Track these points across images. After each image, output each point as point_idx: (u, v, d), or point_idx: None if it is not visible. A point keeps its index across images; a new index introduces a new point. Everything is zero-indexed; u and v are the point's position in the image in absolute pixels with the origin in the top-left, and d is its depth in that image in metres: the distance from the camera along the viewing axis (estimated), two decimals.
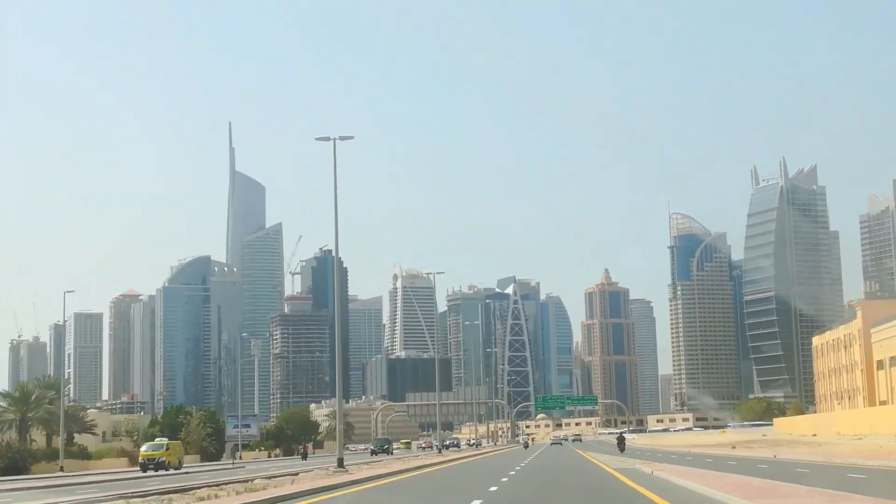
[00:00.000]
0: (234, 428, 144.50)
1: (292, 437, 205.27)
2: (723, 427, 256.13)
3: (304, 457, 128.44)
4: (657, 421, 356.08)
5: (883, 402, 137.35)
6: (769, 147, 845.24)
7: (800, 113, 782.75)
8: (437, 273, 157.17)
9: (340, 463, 55.33)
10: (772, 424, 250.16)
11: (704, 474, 41.07)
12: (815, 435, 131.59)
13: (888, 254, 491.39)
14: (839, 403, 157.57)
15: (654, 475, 41.91)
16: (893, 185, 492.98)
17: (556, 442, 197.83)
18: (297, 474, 52.21)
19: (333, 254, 63.27)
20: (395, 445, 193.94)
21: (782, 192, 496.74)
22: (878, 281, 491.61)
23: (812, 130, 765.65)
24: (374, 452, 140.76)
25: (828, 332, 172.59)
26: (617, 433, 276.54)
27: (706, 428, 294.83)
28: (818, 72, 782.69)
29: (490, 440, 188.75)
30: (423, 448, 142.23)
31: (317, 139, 60.57)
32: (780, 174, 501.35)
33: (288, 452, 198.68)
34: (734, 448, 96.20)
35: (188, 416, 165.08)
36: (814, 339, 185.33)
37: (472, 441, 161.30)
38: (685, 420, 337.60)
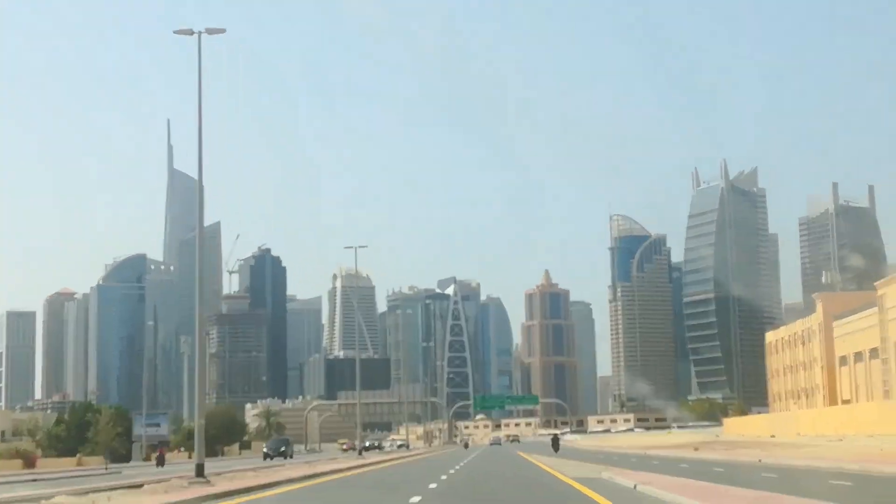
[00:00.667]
0: (143, 427, 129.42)
1: (215, 438, 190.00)
2: (667, 428, 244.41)
3: (160, 462, 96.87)
4: (597, 422, 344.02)
5: (846, 401, 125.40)
6: (711, 149, 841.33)
7: (741, 115, 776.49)
8: (361, 247, 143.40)
9: (200, 470, 40.85)
10: (719, 425, 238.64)
11: (709, 490, 27.32)
12: (773, 436, 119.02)
13: (827, 256, 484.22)
14: (795, 403, 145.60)
15: (640, 490, 28.25)
16: (833, 187, 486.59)
17: (495, 442, 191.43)
18: (140, 486, 37.86)
19: (199, 179, 49.15)
20: (333, 445, 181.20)
21: (723, 193, 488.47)
22: (817, 283, 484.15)
23: (753, 133, 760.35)
24: (267, 456, 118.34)
25: (782, 328, 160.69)
26: (558, 433, 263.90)
27: (648, 429, 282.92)
28: (759, 74, 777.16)
29: (426, 441, 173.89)
30: (345, 450, 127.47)
31: (175, 32, 46.41)
32: (720, 176, 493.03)
33: (211, 454, 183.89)
34: (697, 450, 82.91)
35: (97, 414, 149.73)
36: (767, 335, 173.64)
37: (400, 442, 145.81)
38: (626, 421, 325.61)
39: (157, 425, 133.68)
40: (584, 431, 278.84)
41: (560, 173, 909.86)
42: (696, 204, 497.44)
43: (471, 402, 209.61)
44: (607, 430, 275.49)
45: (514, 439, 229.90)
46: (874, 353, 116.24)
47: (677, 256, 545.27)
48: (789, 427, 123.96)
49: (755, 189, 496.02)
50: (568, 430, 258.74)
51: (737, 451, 75.12)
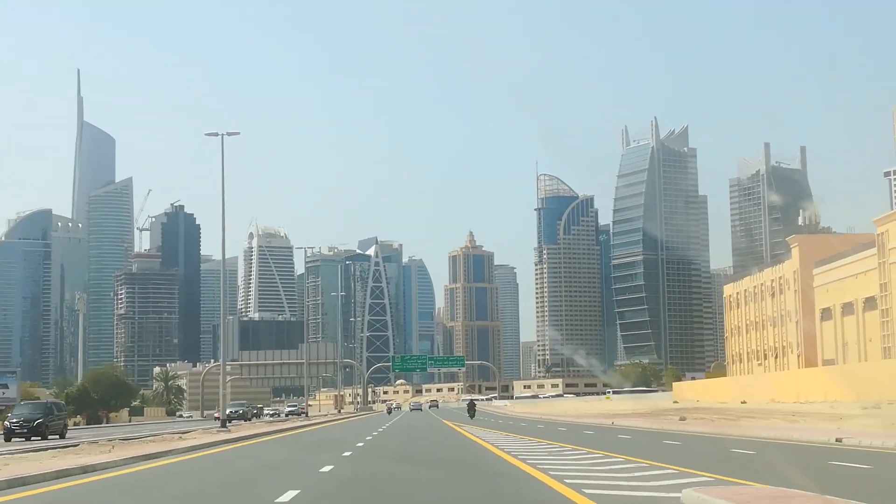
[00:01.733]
0: None
1: (99, 402, 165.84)
2: (601, 394, 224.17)
3: None
4: (524, 387, 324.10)
5: (828, 361, 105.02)
6: (640, 107, 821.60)
7: (672, 72, 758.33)
8: (233, 134, 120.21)
9: None
10: (659, 390, 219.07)
11: None
12: (744, 402, 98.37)
13: (758, 218, 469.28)
14: (760, 364, 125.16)
15: None
16: (765, 148, 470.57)
17: (416, 408, 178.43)
18: None
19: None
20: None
21: (653, 153, 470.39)
22: (748, 247, 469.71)
23: (684, 90, 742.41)
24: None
25: (746, 279, 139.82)
26: (483, 399, 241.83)
27: (578, 394, 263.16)
28: (688, 29, 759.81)
29: (336, 407, 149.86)
30: (216, 418, 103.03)
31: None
32: (651, 134, 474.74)
33: (93, 420, 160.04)
34: (684, 420, 61.16)
35: None
36: (725, 288, 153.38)
37: (290, 409, 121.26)
38: (554, 386, 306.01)
39: (5, 387, 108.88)
40: (510, 397, 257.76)
41: (487, 132, 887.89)
42: (625, 163, 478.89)
43: (390, 363, 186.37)
44: (535, 396, 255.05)
45: (434, 404, 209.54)
46: (869, 303, 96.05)
47: (605, 218, 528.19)
48: (759, 391, 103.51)
49: (686, 149, 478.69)
50: (495, 395, 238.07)
51: (742, 425, 53.55)
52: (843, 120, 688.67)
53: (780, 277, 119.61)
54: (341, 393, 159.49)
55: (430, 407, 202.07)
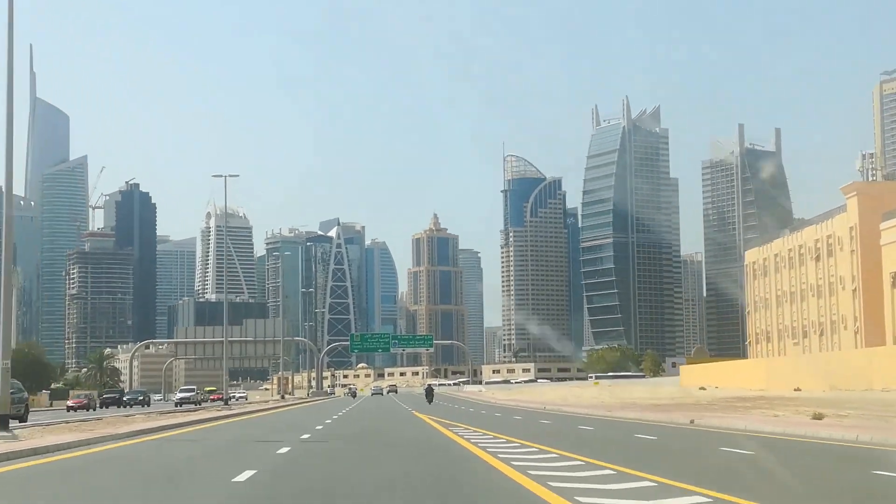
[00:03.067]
0: None
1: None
2: (577, 379, 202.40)
3: None
4: (493, 371, 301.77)
5: None
6: (611, 87, 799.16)
7: (644, 51, 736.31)
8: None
9: None
10: (642, 375, 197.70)
11: None
12: (798, 389, 76.30)
13: (730, 201, 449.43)
14: (795, 343, 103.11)
15: None
16: (738, 129, 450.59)
17: (377, 392, 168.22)
18: None
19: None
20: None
21: (624, 133, 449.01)
22: (719, 230, 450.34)
23: (656, 70, 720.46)
24: None
25: (777, 242, 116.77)
26: (450, 384, 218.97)
27: (552, 380, 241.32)
28: (660, 8, 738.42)
29: (280, 392, 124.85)
30: (73, 408, 77.12)
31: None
32: (622, 114, 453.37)
33: None
34: (820, 419, 38.16)
35: None
36: (748, 254, 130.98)
37: (192, 395, 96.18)
38: (526, 371, 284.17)
39: None
40: (480, 382, 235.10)
41: (453, 111, 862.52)
42: (595, 143, 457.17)
43: (348, 342, 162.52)
44: (507, 381, 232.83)
45: (392, 389, 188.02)
46: None
47: (573, 201, 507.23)
48: (808, 375, 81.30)
49: (657, 129, 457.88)
50: (465, 379, 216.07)
51: None
52: (819, 101, 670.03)
53: (828, 236, 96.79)
54: (284, 376, 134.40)
55: (388, 392, 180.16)
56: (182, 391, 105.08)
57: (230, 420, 50.65)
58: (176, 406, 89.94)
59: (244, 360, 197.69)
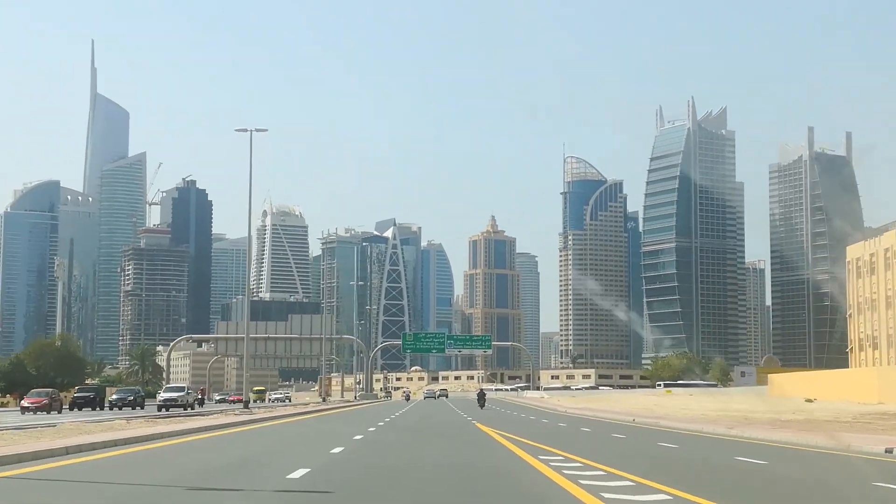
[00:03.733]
0: None
1: (39, 378, 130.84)
2: (648, 386, 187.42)
3: None
4: (552, 377, 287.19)
5: None
6: (676, 89, 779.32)
7: (710, 52, 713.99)
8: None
9: None
10: (714, 384, 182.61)
11: None
12: None
13: (798, 208, 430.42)
14: None
15: None
16: (808, 132, 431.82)
17: (430, 395, 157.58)
18: None
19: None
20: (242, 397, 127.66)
21: (689, 134, 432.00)
22: (786, 237, 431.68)
23: (722, 70, 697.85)
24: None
25: (888, 234, 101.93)
26: (507, 389, 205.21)
27: (614, 387, 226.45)
28: (730, 5, 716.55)
29: (321, 395, 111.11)
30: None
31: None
32: (687, 115, 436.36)
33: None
34: None
35: None
36: (850, 249, 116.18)
37: (178, 395, 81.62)
38: (586, 377, 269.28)
39: None
40: (538, 388, 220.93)
41: (513, 111, 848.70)
42: (659, 145, 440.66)
43: (401, 342, 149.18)
44: (566, 387, 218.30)
45: (443, 393, 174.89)
46: None
47: (633, 205, 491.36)
48: None
49: (723, 131, 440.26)
50: (523, 384, 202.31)
51: None
52: (891, 104, 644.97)
53: None
54: (328, 376, 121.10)
55: (438, 397, 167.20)
56: (167, 391, 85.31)
57: (220, 432, 37.56)
58: (159, 410, 73.28)
59: (293, 360, 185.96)
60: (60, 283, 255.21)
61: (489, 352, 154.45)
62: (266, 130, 78.34)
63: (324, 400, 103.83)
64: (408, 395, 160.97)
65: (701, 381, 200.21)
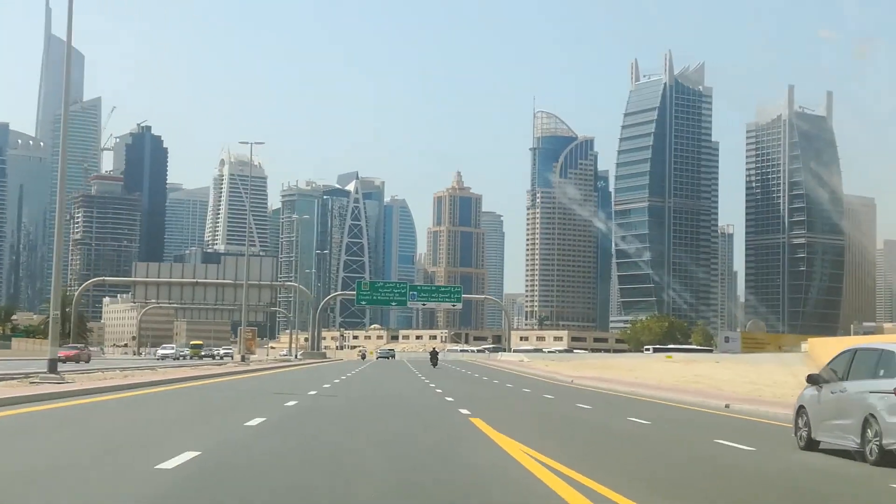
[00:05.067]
0: None
1: None
2: (624, 350, 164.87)
3: None
4: (520, 339, 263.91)
5: None
6: (652, 41, 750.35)
7: (689, 2, 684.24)
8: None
9: None
10: (710, 350, 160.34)
11: None
12: None
13: (776, 169, 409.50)
14: None
15: None
16: (788, 91, 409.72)
17: (383, 356, 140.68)
18: None
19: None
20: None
21: (666, 89, 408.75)
22: (762, 199, 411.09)
23: (701, 24, 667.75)
24: None
25: None
26: (473, 350, 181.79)
27: (591, 350, 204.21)
28: None
29: (241, 353, 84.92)
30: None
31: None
32: (664, 69, 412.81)
33: None
34: None
35: None
36: None
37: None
38: (558, 339, 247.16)
39: None
40: (504, 350, 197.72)
41: (481, 62, 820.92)
42: (633, 101, 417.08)
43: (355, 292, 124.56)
44: (539, 350, 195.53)
45: (389, 354, 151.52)
46: None
47: (604, 164, 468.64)
48: None
49: (701, 88, 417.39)
50: (491, 345, 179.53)
51: None
52: (874, 66, 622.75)
53: None
54: (248, 331, 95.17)
55: (386, 357, 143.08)
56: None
57: None
58: None
59: (238, 312, 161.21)
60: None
61: (458, 305, 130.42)
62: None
63: (243, 359, 78.78)
64: (363, 354, 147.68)
65: (682, 344, 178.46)
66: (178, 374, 47.28)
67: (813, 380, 18.01)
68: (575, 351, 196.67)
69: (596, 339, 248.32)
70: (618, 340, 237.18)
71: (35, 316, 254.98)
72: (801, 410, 18.29)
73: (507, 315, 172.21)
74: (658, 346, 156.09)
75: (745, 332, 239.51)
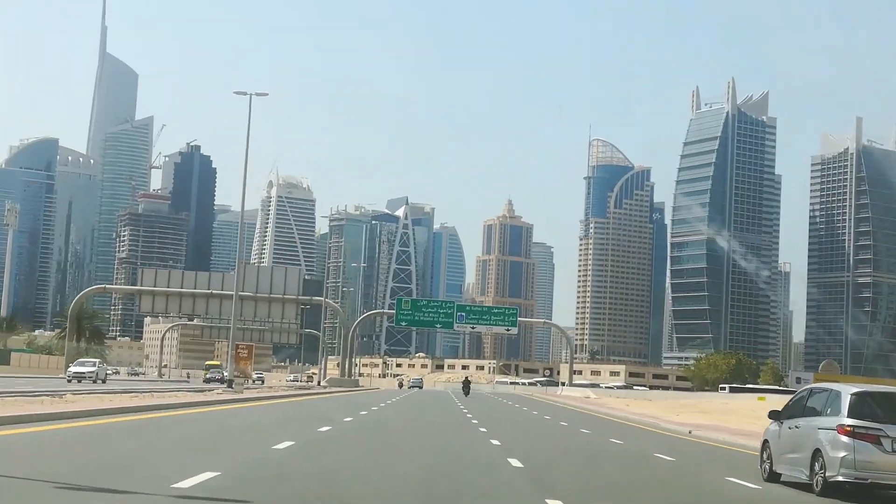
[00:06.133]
0: None
1: None
2: (721, 388, 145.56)
3: None
4: (574, 372, 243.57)
5: None
6: (715, 69, 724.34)
7: (753, 30, 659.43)
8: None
9: None
10: (792, 391, 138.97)
11: None
12: None
13: (841, 202, 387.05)
14: None
15: None
16: (857, 122, 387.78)
17: (415, 385, 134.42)
18: None
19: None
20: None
21: (728, 118, 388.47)
22: (826, 235, 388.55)
23: (766, 52, 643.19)
24: None
25: None
26: (522, 383, 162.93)
27: (651, 387, 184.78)
28: None
29: (231, 376, 66.28)
30: None
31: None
32: (726, 98, 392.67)
33: None
34: None
35: None
36: None
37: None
38: (614, 374, 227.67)
39: None
40: (555, 383, 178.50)
41: (537, 88, 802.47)
42: (694, 129, 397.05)
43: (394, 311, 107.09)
44: (595, 385, 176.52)
45: (416, 384, 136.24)
46: None
47: (660, 195, 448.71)
48: None
49: (765, 118, 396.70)
50: (547, 379, 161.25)
51: None
52: None
53: None
54: (242, 354, 75.87)
55: (410, 387, 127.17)
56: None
57: None
58: None
59: (272, 333, 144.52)
60: (10, 231, 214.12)
61: (514, 330, 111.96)
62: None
63: (230, 385, 58.70)
64: (401, 383, 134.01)
65: (749, 384, 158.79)
66: (72, 405, 29.76)
67: (774, 415, 19.05)
68: (635, 388, 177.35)
69: (655, 376, 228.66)
70: (678, 377, 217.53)
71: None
72: (765, 444, 19.31)
73: (570, 344, 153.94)
74: (735, 386, 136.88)
75: (819, 373, 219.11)
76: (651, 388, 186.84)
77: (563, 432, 34.16)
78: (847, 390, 16.92)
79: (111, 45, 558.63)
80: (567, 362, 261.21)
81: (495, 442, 25.10)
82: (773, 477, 18.51)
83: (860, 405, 16.41)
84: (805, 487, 17.00)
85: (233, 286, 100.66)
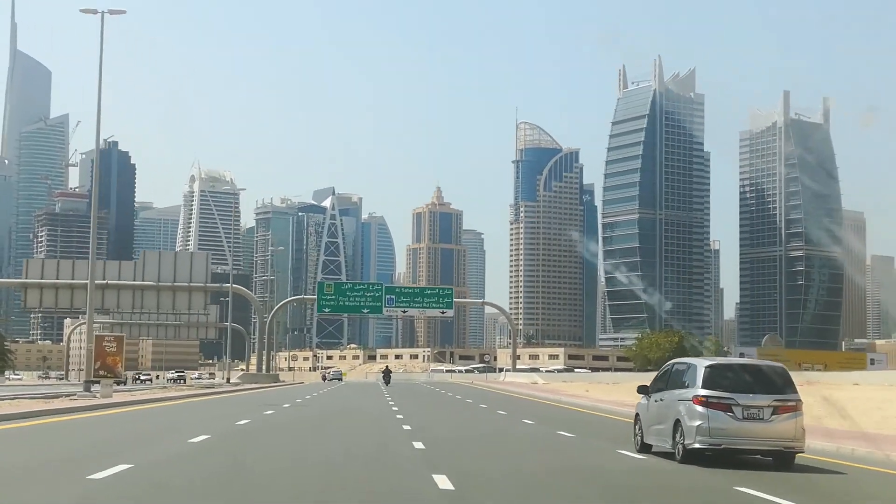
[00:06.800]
0: None
1: None
2: (629, 369, 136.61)
3: None
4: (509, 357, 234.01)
5: None
6: (641, 48, 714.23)
7: (678, 6, 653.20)
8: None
9: None
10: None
11: None
12: None
13: (771, 177, 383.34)
14: None
15: None
16: (784, 97, 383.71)
17: (335, 377, 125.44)
18: None
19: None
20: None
21: (655, 96, 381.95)
22: (757, 210, 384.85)
23: (691, 29, 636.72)
24: None
25: None
26: (460, 370, 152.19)
27: (594, 370, 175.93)
28: None
29: (87, 376, 54.85)
30: None
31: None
32: (653, 76, 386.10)
33: None
34: None
35: None
36: None
37: None
38: (553, 357, 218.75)
39: None
40: (494, 369, 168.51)
41: (462, 73, 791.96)
42: (621, 109, 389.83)
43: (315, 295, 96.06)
44: (535, 369, 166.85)
45: (336, 376, 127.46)
46: None
47: (590, 177, 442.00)
48: None
49: (692, 94, 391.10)
50: (484, 365, 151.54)
51: None
52: (871, 68, 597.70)
53: None
54: (107, 347, 64.51)
55: (330, 380, 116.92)
56: None
57: None
58: None
59: (170, 329, 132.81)
60: None
61: (449, 312, 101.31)
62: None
63: (86, 388, 46.96)
64: (324, 376, 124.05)
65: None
66: None
67: (643, 390, 19.94)
68: (576, 370, 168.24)
69: (595, 357, 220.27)
70: (619, 358, 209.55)
71: None
72: (637, 418, 20.35)
73: (512, 326, 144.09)
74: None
75: (762, 348, 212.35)
76: (592, 370, 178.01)
77: (505, 421, 23.85)
78: (702, 363, 17.83)
79: (22, 42, 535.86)
80: (505, 347, 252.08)
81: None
82: (645, 448, 19.61)
83: (714, 377, 17.25)
84: (670, 456, 17.96)
85: (132, 275, 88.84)
